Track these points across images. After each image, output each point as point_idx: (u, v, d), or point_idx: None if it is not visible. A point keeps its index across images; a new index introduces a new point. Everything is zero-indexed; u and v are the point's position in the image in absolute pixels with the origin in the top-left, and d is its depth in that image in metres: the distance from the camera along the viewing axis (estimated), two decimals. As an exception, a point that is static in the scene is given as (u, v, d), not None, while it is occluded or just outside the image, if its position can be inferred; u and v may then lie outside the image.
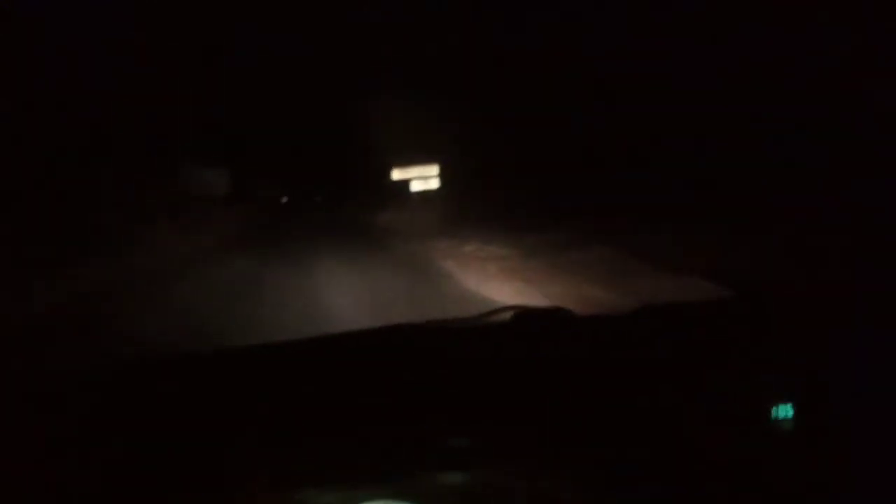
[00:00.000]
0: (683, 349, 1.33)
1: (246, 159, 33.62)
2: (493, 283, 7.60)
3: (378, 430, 1.07)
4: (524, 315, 1.50)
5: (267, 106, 33.52)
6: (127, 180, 16.38)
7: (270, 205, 34.33)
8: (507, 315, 1.50)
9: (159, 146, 20.98)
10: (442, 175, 23.45)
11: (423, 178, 23.44)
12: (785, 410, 1.11)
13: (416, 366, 1.29)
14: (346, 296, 6.99)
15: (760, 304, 1.62)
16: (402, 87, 24.05)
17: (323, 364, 1.34)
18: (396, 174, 23.52)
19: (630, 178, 11.21)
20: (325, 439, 1.06)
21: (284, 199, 51.27)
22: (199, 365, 1.36)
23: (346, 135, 32.80)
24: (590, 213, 11.07)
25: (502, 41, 17.75)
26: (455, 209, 20.19)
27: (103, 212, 13.56)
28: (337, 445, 1.05)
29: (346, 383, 1.21)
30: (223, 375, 1.29)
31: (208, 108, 27.61)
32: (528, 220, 12.70)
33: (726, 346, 1.33)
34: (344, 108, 32.64)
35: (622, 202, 10.57)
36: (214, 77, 28.37)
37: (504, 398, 1.15)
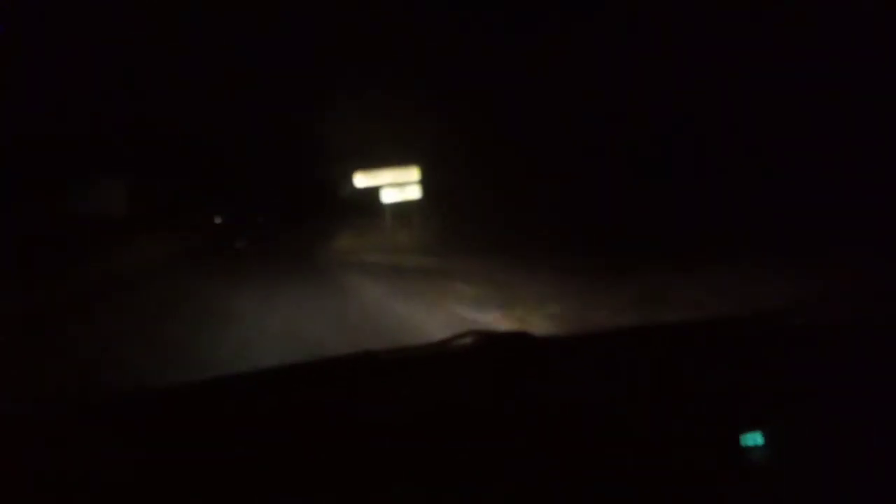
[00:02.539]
0: (648, 373, 1.32)
1: (165, 168, 26.63)
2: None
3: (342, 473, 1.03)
4: (487, 339, 1.49)
5: (191, 101, 26.73)
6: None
7: (196, 227, 27.45)
8: (469, 340, 1.48)
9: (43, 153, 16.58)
10: (425, 182, 17.33)
11: (399, 185, 17.26)
12: (754, 438, 1.08)
13: (381, 393, 1.28)
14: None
15: (725, 330, 1.68)
16: (369, 74, 18.31)
17: (288, 395, 1.31)
18: (361, 180, 17.24)
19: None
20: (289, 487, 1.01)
21: (218, 220, 44.16)
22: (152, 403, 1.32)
23: (296, 136, 26.22)
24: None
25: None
26: (444, 229, 14.35)
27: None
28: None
29: (312, 414, 1.20)
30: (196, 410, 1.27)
31: (113, 103, 20.91)
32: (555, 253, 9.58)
33: (694, 372, 1.33)
34: (292, 103, 26.32)
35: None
36: (122, 64, 21.56)
37: (469, 425, 1.12)
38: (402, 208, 17.46)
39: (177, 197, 27.96)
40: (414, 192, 17.28)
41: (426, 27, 16.96)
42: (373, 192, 17.67)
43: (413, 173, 17.32)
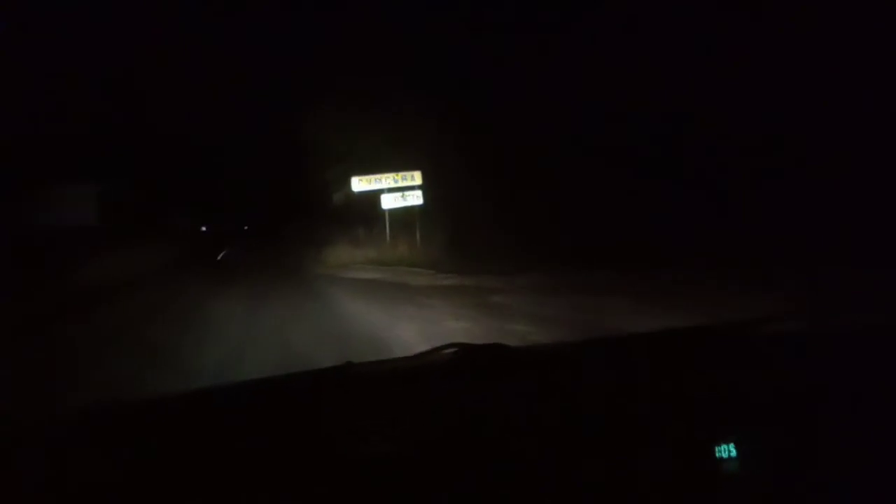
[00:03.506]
0: (623, 382, 1.32)
1: (146, 174, 24.65)
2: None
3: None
4: (466, 350, 1.50)
5: (177, 100, 24.82)
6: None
7: (178, 239, 25.39)
8: (450, 352, 1.50)
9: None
10: (429, 186, 15.53)
11: (399, 189, 15.42)
12: (727, 450, 1.05)
13: (362, 404, 1.28)
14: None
15: (699, 337, 1.66)
16: (365, 69, 16.71)
17: (269, 407, 1.31)
18: (358, 184, 15.38)
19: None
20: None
21: (203, 229, 42.10)
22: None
23: (286, 137, 24.43)
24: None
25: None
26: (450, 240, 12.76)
27: None
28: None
29: (293, 426, 1.20)
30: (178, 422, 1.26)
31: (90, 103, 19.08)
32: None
33: (669, 380, 1.30)
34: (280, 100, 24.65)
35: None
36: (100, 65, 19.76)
37: (449, 434, 1.13)
38: (403, 216, 15.64)
39: (156, 204, 25.92)
40: (417, 198, 15.45)
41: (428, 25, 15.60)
42: (370, 198, 15.86)
43: (416, 177, 15.49)
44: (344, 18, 19.34)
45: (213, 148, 30.21)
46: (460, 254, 12.76)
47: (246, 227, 47.41)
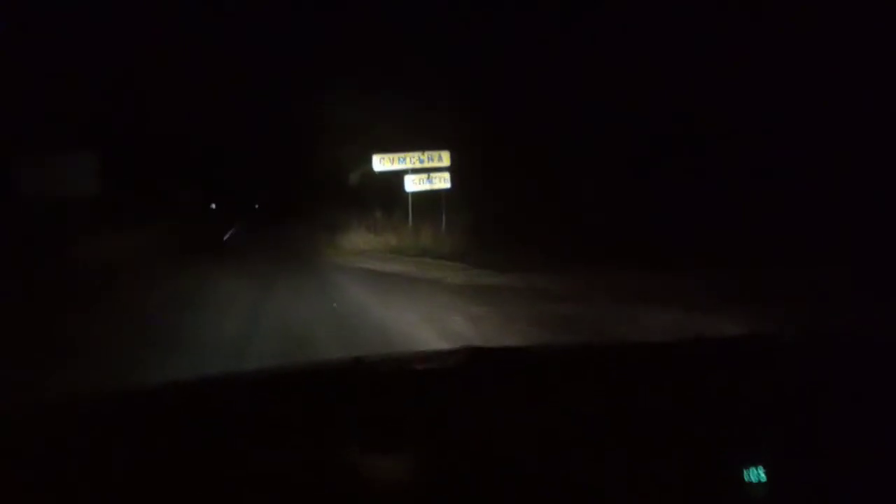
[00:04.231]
0: (649, 392, 1.26)
1: (153, 147, 23.25)
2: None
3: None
4: (479, 354, 1.48)
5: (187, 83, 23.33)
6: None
7: (185, 216, 23.97)
8: (465, 354, 1.49)
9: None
10: (457, 169, 14.00)
11: (425, 170, 13.88)
12: (757, 474, 0.94)
13: (368, 398, 1.27)
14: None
15: (734, 348, 1.59)
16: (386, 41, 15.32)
17: (277, 400, 1.29)
18: (379, 163, 13.85)
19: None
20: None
21: (213, 206, 40.79)
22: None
23: (299, 112, 22.95)
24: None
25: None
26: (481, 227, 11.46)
27: None
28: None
29: (300, 418, 1.16)
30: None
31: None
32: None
33: (694, 393, 1.25)
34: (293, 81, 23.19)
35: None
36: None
37: (456, 436, 1.10)
38: (425, 201, 14.13)
39: (162, 179, 24.49)
40: (444, 182, 13.91)
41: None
42: (390, 180, 14.36)
43: (444, 158, 13.94)
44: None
45: (224, 128, 28.82)
46: (485, 244, 11.31)
47: (256, 206, 46.11)
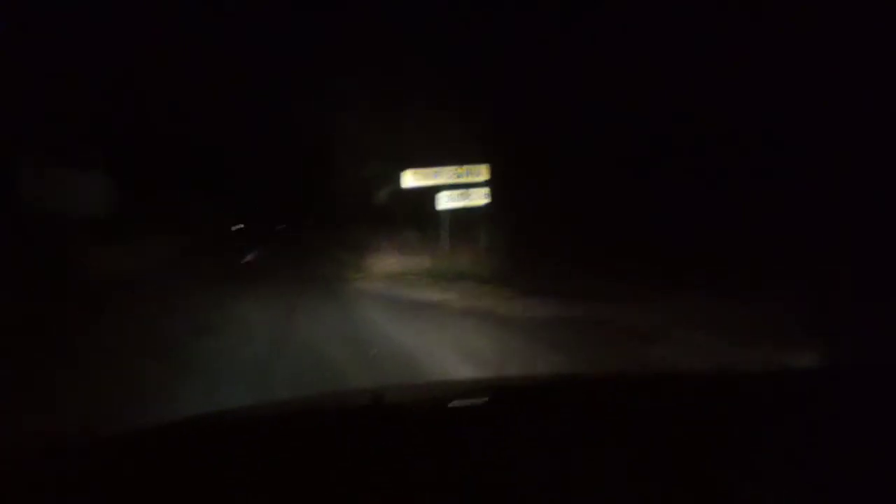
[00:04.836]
0: (668, 425, 1.22)
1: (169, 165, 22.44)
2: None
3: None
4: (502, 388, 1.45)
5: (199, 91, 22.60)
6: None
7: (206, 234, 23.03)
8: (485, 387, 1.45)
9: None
10: (495, 183, 12.75)
11: (461, 186, 12.64)
12: None
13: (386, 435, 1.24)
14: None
15: (755, 381, 1.52)
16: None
17: (295, 432, 1.27)
18: (410, 179, 12.65)
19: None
20: None
21: (239, 227, 40.02)
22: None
23: (322, 131, 22.01)
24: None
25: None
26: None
27: None
28: None
29: (316, 450, 1.16)
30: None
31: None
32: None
33: (712, 427, 1.21)
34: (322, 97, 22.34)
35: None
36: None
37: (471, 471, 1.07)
38: (460, 219, 12.86)
39: (182, 198, 23.62)
40: (482, 197, 12.66)
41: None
42: (421, 197, 13.13)
43: (482, 171, 12.70)
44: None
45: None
46: (522, 265, 10.01)
47: (280, 227, 45.31)
